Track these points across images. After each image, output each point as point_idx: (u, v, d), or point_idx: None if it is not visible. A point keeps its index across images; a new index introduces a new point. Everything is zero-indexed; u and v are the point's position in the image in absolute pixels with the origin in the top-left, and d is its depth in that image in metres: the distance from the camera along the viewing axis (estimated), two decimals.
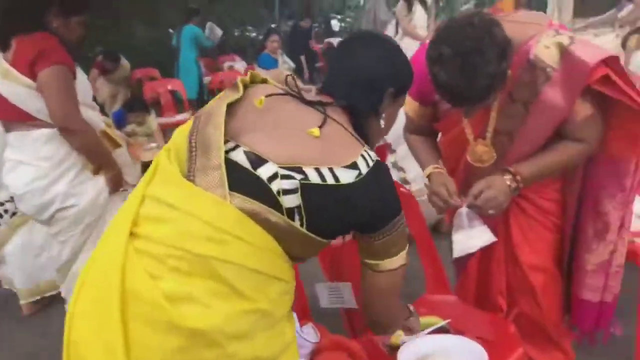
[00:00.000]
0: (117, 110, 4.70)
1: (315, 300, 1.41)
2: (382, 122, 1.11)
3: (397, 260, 0.98)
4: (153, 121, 4.58)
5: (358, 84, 1.01)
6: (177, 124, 4.83)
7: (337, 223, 0.91)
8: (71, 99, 1.86)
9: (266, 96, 0.93)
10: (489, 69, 1.10)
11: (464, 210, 1.35)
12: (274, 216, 0.84)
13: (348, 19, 10.80)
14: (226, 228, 0.81)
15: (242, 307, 0.81)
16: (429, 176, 1.44)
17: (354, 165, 0.89)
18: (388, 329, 1.16)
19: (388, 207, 0.94)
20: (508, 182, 1.30)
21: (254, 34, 9.99)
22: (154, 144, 4.29)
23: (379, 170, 0.92)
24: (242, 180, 0.85)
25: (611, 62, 1.23)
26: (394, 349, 1.35)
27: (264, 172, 0.85)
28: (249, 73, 1.04)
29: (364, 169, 0.89)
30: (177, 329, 0.77)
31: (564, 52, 1.21)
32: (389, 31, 6.63)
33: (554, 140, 1.32)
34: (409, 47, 5.63)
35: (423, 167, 1.50)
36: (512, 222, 1.47)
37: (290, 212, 0.85)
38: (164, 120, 5.07)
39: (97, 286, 0.84)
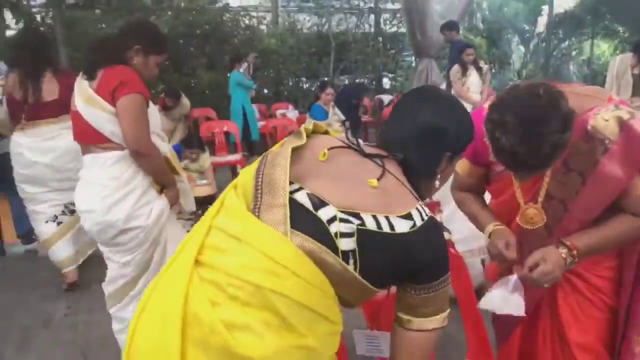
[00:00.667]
0: (175, 145, 4.93)
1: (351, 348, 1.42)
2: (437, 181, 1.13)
3: (432, 323, 0.98)
4: (207, 159, 4.78)
5: (416, 141, 1.04)
6: (229, 164, 5.08)
7: (388, 271, 0.93)
8: (144, 124, 2.05)
9: (329, 149, 0.99)
10: (552, 139, 1.11)
11: (514, 278, 1.35)
12: (330, 257, 0.88)
13: (399, 78, 11.05)
14: (285, 263, 0.85)
15: (293, 341, 0.84)
16: (491, 234, 1.44)
17: (409, 216, 0.93)
18: None
19: (437, 262, 0.96)
20: (564, 255, 1.29)
21: (306, 85, 10.36)
22: (205, 181, 4.46)
23: (433, 225, 0.96)
24: (303, 220, 0.89)
25: None
26: None
27: (324, 214, 0.90)
28: (312, 123, 1.09)
29: (419, 222, 0.93)
30: (231, 355, 0.81)
31: (624, 126, 1.23)
32: None
33: (611, 213, 1.32)
34: None
35: (481, 224, 1.49)
36: (560, 298, 1.45)
37: (345, 255, 0.89)
38: (217, 159, 5.28)
39: (161, 307, 0.89)
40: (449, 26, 6.34)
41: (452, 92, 5.67)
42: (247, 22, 9.48)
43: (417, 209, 0.95)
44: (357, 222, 0.90)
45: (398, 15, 10.45)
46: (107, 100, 2.05)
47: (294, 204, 0.91)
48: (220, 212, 0.96)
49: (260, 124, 7.02)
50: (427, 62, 8.49)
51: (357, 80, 10.20)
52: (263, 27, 9.99)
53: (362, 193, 0.94)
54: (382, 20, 11.11)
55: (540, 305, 1.48)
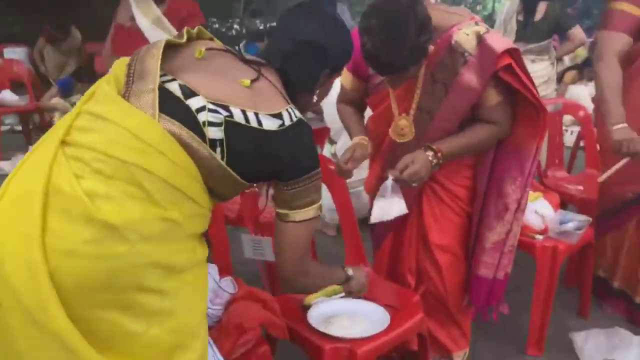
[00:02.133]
0: (65, 78, 4.57)
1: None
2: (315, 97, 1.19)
3: (305, 213, 1.04)
4: None
5: (296, 54, 1.07)
6: None
7: (256, 164, 0.98)
8: None
9: (207, 49, 1.02)
10: (410, 42, 1.23)
11: (389, 182, 1.46)
12: (196, 143, 0.92)
13: None
14: (151, 142, 0.87)
15: (156, 213, 0.87)
16: (355, 144, 1.55)
17: (278, 116, 0.97)
18: (293, 286, 1.16)
19: (304, 159, 1.02)
20: (430, 158, 1.43)
21: (216, 26, 9.93)
22: None
23: (301, 126, 1.00)
24: (172, 107, 0.92)
25: (515, 54, 1.40)
26: (307, 308, 1.46)
27: (193, 103, 0.93)
28: (197, 28, 1.09)
29: (287, 122, 0.98)
30: (92, 221, 0.83)
31: (480, 40, 1.37)
32: None
33: (470, 123, 1.47)
34: None
35: (350, 135, 1.61)
36: (425, 204, 1.61)
37: (212, 144, 0.93)
38: None
39: (23, 183, 0.88)
40: None
41: None
42: None
43: (287, 110, 0.99)
44: (225, 113, 0.93)
45: None
46: (176, 27, 2.18)
47: (164, 92, 0.93)
48: (91, 100, 0.96)
49: None
50: (339, 7, 8.45)
51: (269, 24, 9.95)
52: None
53: (234, 89, 0.97)
54: None
55: (407, 214, 1.62)
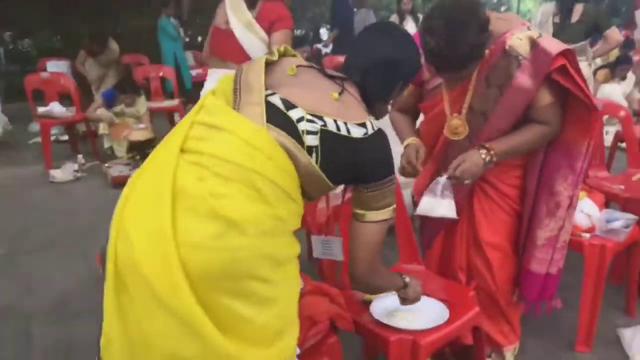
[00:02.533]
0: (109, 90, 4.77)
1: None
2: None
3: (382, 214, 1.13)
4: (144, 104, 4.68)
5: (374, 70, 1.18)
6: (166, 110, 5.01)
7: (343, 167, 1.08)
8: None
9: (297, 66, 1.13)
10: (471, 40, 1.32)
11: (442, 179, 1.53)
12: (297, 149, 1.02)
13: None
14: (262, 149, 0.99)
15: (267, 210, 0.98)
16: (406, 146, 1.63)
17: (363, 125, 1.08)
18: (363, 285, 1.24)
19: (384, 165, 1.12)
20: (483, 156, 1.49)
21: None
22: (142, 125, 4.39)
23: (381, 135, 1.11)
24: (276, 118, 1.03)
25: (569, 55, 1.46)
26: (368, 303, 1.54)
27: (294, 114, 1.04)
28: (283, 46, 1.21)
29: (370, 131, 1.08)
30: (216, 217, 0.93)
31: (533, 44, 1.44)
32: None
33: (522, 123, 1.53)
34: None
35: (403, 139, 1.68)
36: (476, 204, 1.68)
37: (309, 150, 1.03)
38: (153, 104, 5.16)
39: (151, 187, 0.99)
40: None
41: None
42: None
43: (369, 120, 1.10)
44: (320, 123, 1.04)
45: None
46: (265, 29, 2.44)
47: (268, 105, 1.04)
48: (201, 111, 1.07)
49: (197, 71, 6.86)
50: (365, 12, 8.54)
51: (296, 31, 10.10)
52: None
53: (326, 101, 1.08)
54: None
55: (459, 212, 1.69)
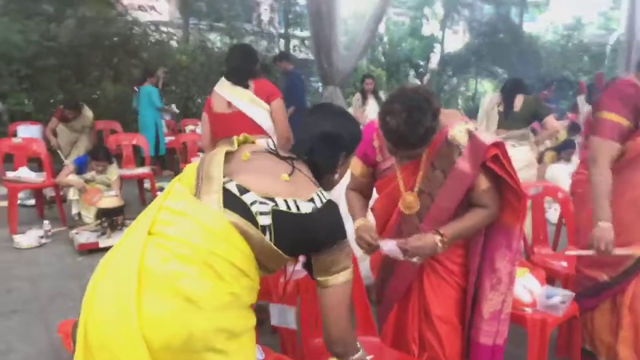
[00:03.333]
0: (81, 156, 4.86)
1: None
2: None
3: (342, 276, 1.25)
4: (115, 171, 4.78)
5: (317, 145, 1.34)
6: (138, 177, 5.10)
7: (297, 241, 1.21)
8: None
9: (251, 152, 1.30)
10: (426, 123, 1.53)
11: (393, 243, 1.72)
12: (251, 229, 1.16)
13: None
14: (218, 231, 1.13)
15: (223, 287, 1.11)
16: (357, 228, 1.81)
17: (311, 200, 1.22)
18: (341, 345, 1.30)
19: (335, 232, 1.24)
20: (438, 242, 1.69)
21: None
22: (113, 192, 4.46)
23: (330, 206, 1.25)
24: (232, 202, 1.17)
25: (501, 146, 1.70)
26: None
27: (247, 198, 1.18)
28: (242, 136, 1.39)
29: (319, 204, 1.22)
30: (177, 295, 1.06)
31: (471, 135, 1.68)
32: None
33: (465, 208, 1.74)
34: None
35: (354, 218, 1.87)
36: (425, 280, 1.85)
37: (263, 229, 1.17)
38: (126, 172, 5.26)
39: (120, 266, 1.12)
40: (280, 57, 6.72)
41: None
42: (157, 36, 9.44)
43: (317, 194, 1.24)
44: (272, 204, 1.18)
45: (307, 42, 11.01)
46: (264, 101, 2.98)
47: (225, 191, 1.19)
48: (168, 197, 1.23)
49: (169, 138, 7.05)
50: (332, 89, 9.01)
51: None
52: (173, 42, 10.00)
53: (276, 183, 1.23)
54: (291, 46, 11.62)
55: (411, 288, 1.86)
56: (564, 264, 2.80)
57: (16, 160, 5.13)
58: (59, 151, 5.63)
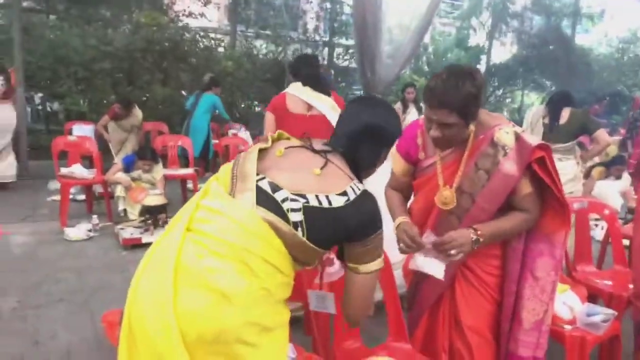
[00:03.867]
0: (129, 155, 5.07)
1: None
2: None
3: (372, 266, 1.27)
4: (160, 171, 4.96)
5: (358, 138, 1.34)
6: (181, 177, 5.28)
7: (330, 235, 1.23)
8: None
9: (285, 148, 1.33)
10: (466, 87, 1.56)
11: (429, 243, 1.70)
12: (284, 226, 1.19)
13: None
14: (252, 229, 1.17)
15: (256, 283, 1.15)
16: (398, 226, 1.80)
17: (344, 193, 1.23)
18: (358, 319, 1.36)
19: (368, 224, 1.25)
20: (471, 234, 1.67)
21: (258, 109, 10.69)
22: (157, 191, 4.62)
23: (364, 197, 1.25)
24: (265, 200, 1.21)
25: (547, 149, 1.68)
26: None
27: (279, 196, 1.22)
28: (278, 132, 1.41)
29: (352, 196, 1.23)
30: (210, 290, 1.11)
31: (518, 137, 1.67)
32: None
33: (504, 212, 1.72)
34: None
35: (394, 217, 1.85)
36: (457, 288, 1.82)
37: (295, 225, 1.20)
38: (170, 172, 5.44)
39: (160, 262, 1.18)
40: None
41: None
42: (205, 42, 9.74)
43: (350, 187, 1.25)
44: (303, 200, 1.21)
45: (350, 51, 11.07)
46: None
47: (259, 189, 1.23)
48: (206, 195, 1.28)
49: (214, 142, 7.25)
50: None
51: None
52: (221, 49, 10.28)
53: (308, 179, 1.25)
54: (335, 54, 11.71)
55: (442, 296, 1.84)
56: (609, 282, 2.70)
57: (70, 157, 5.42)
58: (110, 147, 5.89)
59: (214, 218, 1.20)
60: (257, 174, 1.26)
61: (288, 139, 1.42)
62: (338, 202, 1.22)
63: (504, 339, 1.82)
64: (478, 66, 14.16)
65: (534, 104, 14.41)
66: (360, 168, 1.36)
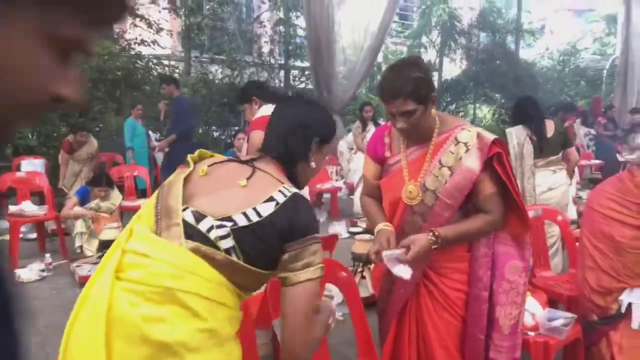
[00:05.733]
0: (82, 187, 4.90)
1: None
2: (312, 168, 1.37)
3: (304, 274, 1.13)
4: (118, 197, 4.81)
5: (286, 137, 1.29)
6: (139, 208, 5.12)
7: (265, 248, 1.14)
8: None
9: (209, 165, 1.25)
10: (411, 73, 1.65)
11: (387, 253, 1.68)
12: (217, 255, 1.11)
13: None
14: (184, 267, 1.09)
15: (198, 325, 1.06)
16: (378, 231, 1.79)
17: (271, 199, 1.16)
18: (302, 357, 1.17)
19: (300, 227, 1.16)
20: (430, 237, 1.69)
21: (217, 134, 10.60)
22: (115, 224, 4.47)
23: (295, 200, 1.18)
24: (192, 232, 1.13)
25: (502, 145, 1.75)
26: None
27: (203, 225, 1.14)
28: (198, 151, 1.33)
29: (281, 199, 1.16)
30: (148, 342, 1.01)
31: (478, 135, 1.75)
32: (342, 147, 7.40)
33: (468, 214, 1.75)
34: (361, 161, 6.29)
35: (374, 224, 1.86)
36: (422, 303, 1.82)
37: (228, 251, 1.12)
38: (127, 203, 5.28)
39: (89, 316, 1.08)
40: (167, 80, 6.46)
41: (353, 145, 6.25)
42: (159, 70, 9.63)
43: (279, 190, 1.18)
44: (230, 224, 1.13)
45: (306, 72, 11.19)
46: None
47: (185, 222, 1.15)
48: (129, 238, 1.17)
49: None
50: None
51: None
52: (176, 75, 10.18)
53: (234, 195, 1.17)
54: (291, 77, 11.80)
55: (406, 312, 1.85)
56: (566, 286, 2.79)
57: (19, 194, 5.18)
58: (61, 181, 5.68)
59: (143, 262, 1.11)
60: (183, 204, 1.17)
61: (212, 156, 1.35)
62: (266, 210, 1.16)
63: (480, 349, 1.80)
64: None
65: (486, 116, 14.95)
66: (294, 164, 1.31)
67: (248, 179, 1.20)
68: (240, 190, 1.19)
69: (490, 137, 1.74)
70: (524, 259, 1.80)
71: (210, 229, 1.13)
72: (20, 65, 0.44)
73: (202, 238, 1.13)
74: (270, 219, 1.15)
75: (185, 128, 5.98)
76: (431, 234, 1.71)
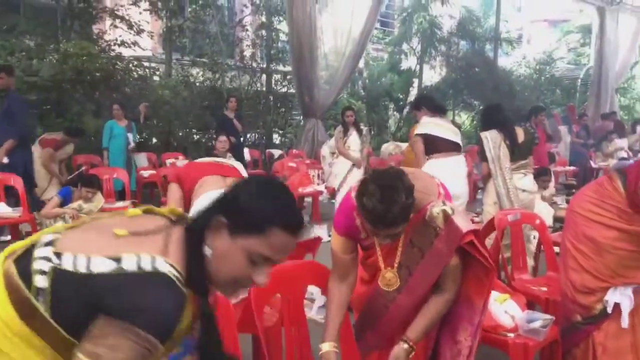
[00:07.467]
0: (65, 188, 4.81)
1: None
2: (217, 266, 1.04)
3: (87, 348, 0.88)
4: (101, 200, 4.73)
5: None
6: (117, 210, 4.98)
7: (76, 312, 0.90)
8: None
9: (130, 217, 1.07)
10: (400, 201, 1.53)
11: None
12: (23, 290, 0.90)
13: (288, 135, 11.72)
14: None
15: None
16: (322, 354, 1.74)
17: (117, 259, 0.91)
18: None
19: (127, 307, 0.89)
20: (405, 347, 1.72)
21: (197, 137, 10.51)
22: None
23: (150, 279, 0.90)
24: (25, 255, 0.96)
25: (476, 233, 1.71)
26: None
27: (37, 252, 0.94)
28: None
29: (130, 268, 0.90)
30: None
31: (448, 220, 1.67)
32: (324, 151, 7.42)
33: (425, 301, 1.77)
34: (343, 165, 6.31)
35: (324, 337, 1.77)
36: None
37: (37, 292, 0.90)
38: (107, 205, 5.18)
39: None
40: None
41: (335, 149, 6.28)
42: (140, 72, 9.52)
43: (139, 256, 0.92)
44: (56, 261, 0.92)
45: (288, 77, 11.21)
46: None
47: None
48: None
49: (150, 172, 7.02)
50: (314, 121, 9.21)
51: (248, 135, 10.60)
52: (156, 77, 10.08)
53: (99, 239, 0.96)
54: (273, 81, 11.80)
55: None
56: (544, 289, 2.85)
57: None
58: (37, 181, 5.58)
59: None
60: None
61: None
62: (99, 267, 0.91)
63: None
64: (410, 89, 14.78)
65: (465, 123, 15.17)
66: (200, 234, 1.03)
67: (132, 232, 0.97)
68: (105, 237, 0.97)
69: (462, 226, 1.66)
70: (473, 324, 1.80)
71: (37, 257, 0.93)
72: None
73: (24, 263, 0.94)
74: (98, 281, 0.91)
75: (25, 131, 5.25)
76: (405, 345, 1.73)
